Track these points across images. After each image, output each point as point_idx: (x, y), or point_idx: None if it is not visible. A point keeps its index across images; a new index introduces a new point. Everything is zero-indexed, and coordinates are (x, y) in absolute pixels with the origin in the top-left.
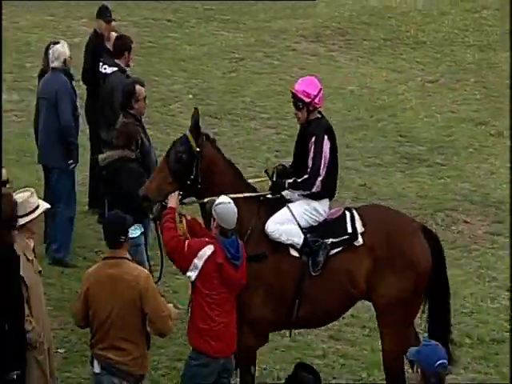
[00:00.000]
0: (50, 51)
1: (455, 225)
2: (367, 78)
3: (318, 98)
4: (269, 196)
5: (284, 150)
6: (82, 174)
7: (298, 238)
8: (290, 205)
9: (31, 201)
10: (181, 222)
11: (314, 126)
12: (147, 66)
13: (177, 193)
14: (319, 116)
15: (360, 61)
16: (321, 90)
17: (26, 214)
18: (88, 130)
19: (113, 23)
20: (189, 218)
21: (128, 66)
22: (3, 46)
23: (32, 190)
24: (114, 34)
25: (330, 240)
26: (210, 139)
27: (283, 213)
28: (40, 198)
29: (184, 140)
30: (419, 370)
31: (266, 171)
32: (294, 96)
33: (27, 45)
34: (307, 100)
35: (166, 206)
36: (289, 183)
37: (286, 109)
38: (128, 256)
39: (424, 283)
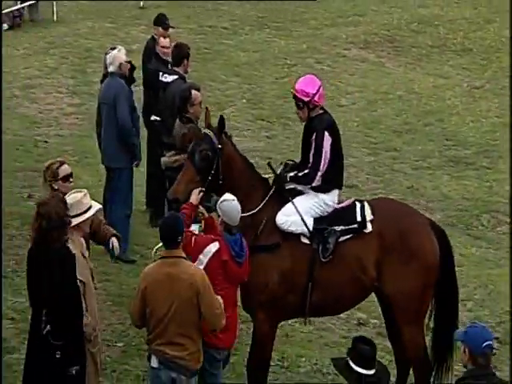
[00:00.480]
0: (107, 56)
1: (500, 226)
2: (415, 83)
3: (317, 96)
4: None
5: None
6: (139, 175)
7: (307, 228)
8: (297, 199)
9: (84, 201)
10: (199, 220)
11: (315, 122)
12: (203, 72)
13: (197, 190)
14: (321, 112)
15: (408, 67)
16: (320, 87)
17: (79, 215)
18: (146, 133)
19: (170, 30)
20: (207, 215)
21: (186, 72)
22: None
23: (85, 191)
24: (165, 40)
25: (340, 227)
26: (228, 136)
27: (289, 206)
28: (94, 198)
29: (208, 138)
30: (466, 351)
31: (268, 164)
32: (294, 96)
33: (88, 51)
34: (306, 99)
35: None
36: (290, 177)
37: (336, 114)
38: (184, 255)
39: (433, 276)
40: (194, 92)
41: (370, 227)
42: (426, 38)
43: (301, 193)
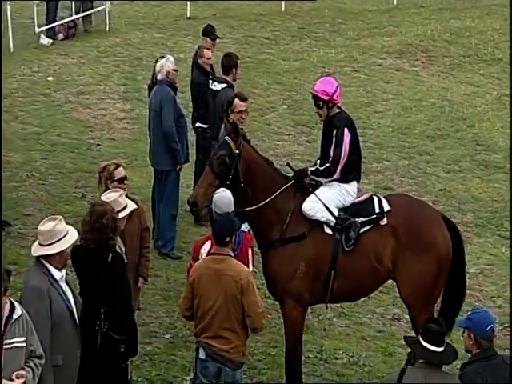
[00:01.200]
0: (156, 65)
1: None
2: (447, 91)
3: (336, 95)
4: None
5: (371, 156)
6: (187, 177)
7: (332, 215)
8: (319, 189)
9: (120, 201)
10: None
11: (335, 120)
12: (246, 79)
13: None
14: (339, 111)
15: (441, 76)
16: (338, 87)
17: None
18: (195, 138)
19: (217, 41)
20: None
21: (234, 80)
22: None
23: (121, 191)
24: (208, 52)
25: (360, 219)
26: (247, 140)
27: (313, 196)
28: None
29: (224, 144)
30: (472, 336)
31: (287, 164)
32: (314, 96)
33: (138, 59)
34: (326, 98)
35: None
36: (311, 171)
37: (372, 119)
38: (231, 253)
39: (445, 267)
40: (236, 100)
41: (385, 220)
42: (458, 48)
43: (321, 185)
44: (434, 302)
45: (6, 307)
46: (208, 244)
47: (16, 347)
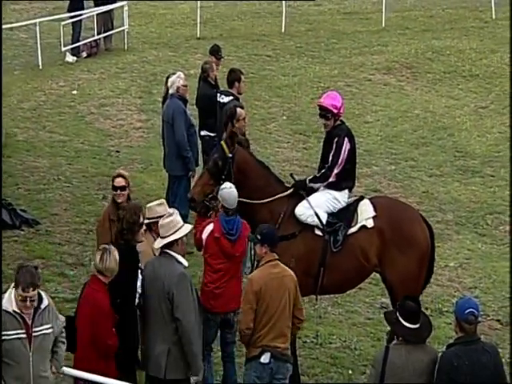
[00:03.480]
0: (169, 81)
1: (502, 225)
2: (430, 103)
3: (342, 109)
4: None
5: (362, 162)
6: None
7: (322, 217)
8: (312, 196)
9: (157, 209)
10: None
11: (337, 130)
12: (249, 93)
13: None
14: (340, 123)
15: (424, 90)
16: (343, 102)
17: (152, 218)
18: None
19: (221, 60)
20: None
21: (240, 93)
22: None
23: (163, 201)
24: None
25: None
26: (243, 145)
27: (305, 202)
28: (158, 199)
29: (219, 148)
30: (455, 319)
31: (291, 174)
32: (324, 109)
33: (153, 75)
34: (335, 111)
35: (208, 205)
36: (309, 179)
37: (362, 129)
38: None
39: (426, 260)
40: (238, 110)
41: (372, 223)
42: (440, 65)
43: (315, 191)
44: (419, 292)
45: (29, 304)
46: (210, 226)
47: (45, 333)
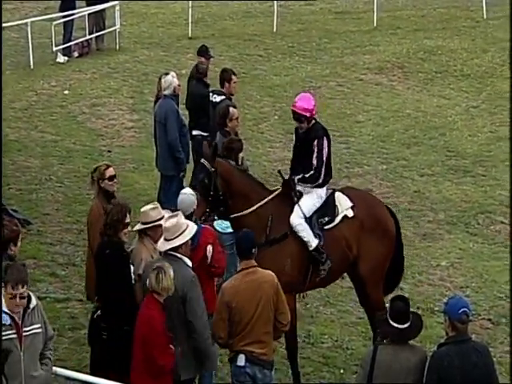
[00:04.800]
0: (163, 81)
1: (494, 225)
2: (421, 103)
3: (314, 110)
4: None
5: (353, 161)
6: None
7: (313, 242)
8: (301, 201)
9: (151, 214)
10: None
11: (314, 130)
12: (241, 93)
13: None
14: (314, 122)
15: (415, 89)
16: (315, 101)
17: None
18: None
19: (210, 60)
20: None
21: (231, 94)
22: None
23: (157, 204)
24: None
25: (326, 219)
26: (225, 158)
27: (298, 209)
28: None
29: (202, 167)
30: (447, 319)
31: (278, 171)
32: (296, 113)
33: (145, 75)
34: (308, 114)
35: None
36: (298, 179)
37: (354, 128)
38: (255, 263)
39: (393, 247)
40: (231, 109)
41: (351, 212)
42: (431, 65)
43: (300, 194)
44: (383, 278)
45: (19, 301)
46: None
47: (34, 333)
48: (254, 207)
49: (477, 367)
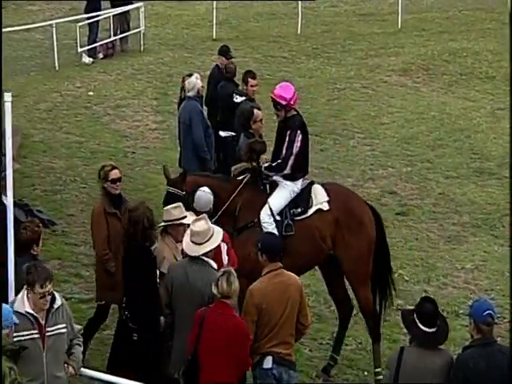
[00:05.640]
0: (186, 82)
1: None
2: (446, 105)
3: (292, 100)
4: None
5: (378, 163)
6: None
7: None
8: (273, 195)
9: (173, 212)
10: None
11: (290, 121)
12: (265, 95)
13: None
14: (295, 113)
15: (440, 91)
16: (295, 92)
17: (169, 221)
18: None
19: (232, 60)
20: None
21: (253, 95)
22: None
23: (180, 204)
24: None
25: (299, 209)
26: (191, 174)
27: (267, 207)
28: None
29: (173, 195)
30: (472, 322)
31: (249, 157)
32: (274, 100)
33: (169, 76)
34: (284, 102)
35: None
36: (265, 167)
37: (378, 130)
38: (281, 265)
39: (373, 245)
40: (255, 111)
41: (327, 206)
42: (456, 67)
43: (274, 184)
44: (369, 276)
45: (48, 298)
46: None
47: (58, 333)
48: (224, 206)
49: (502, 370)
